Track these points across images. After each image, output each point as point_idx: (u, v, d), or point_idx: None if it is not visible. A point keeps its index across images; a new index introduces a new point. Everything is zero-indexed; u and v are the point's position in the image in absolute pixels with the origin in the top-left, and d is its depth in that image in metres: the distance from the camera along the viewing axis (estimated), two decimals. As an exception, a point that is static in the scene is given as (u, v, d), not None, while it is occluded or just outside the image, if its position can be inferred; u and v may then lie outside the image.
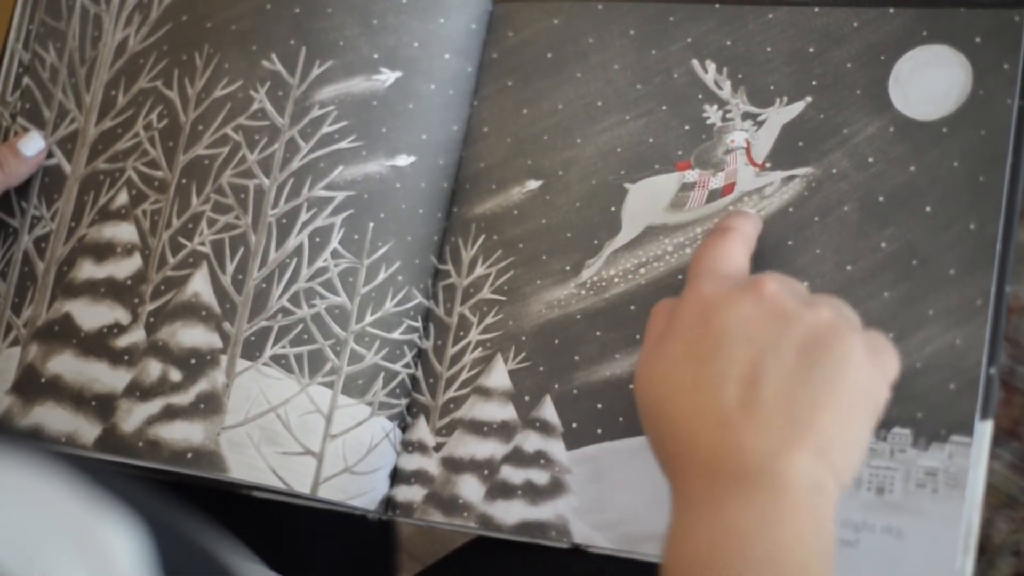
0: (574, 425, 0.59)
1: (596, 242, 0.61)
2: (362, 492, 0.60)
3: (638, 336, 0.59)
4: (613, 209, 0.61)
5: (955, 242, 0.55)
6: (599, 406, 0.59)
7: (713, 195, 0.60)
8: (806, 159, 0.58)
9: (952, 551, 0.51)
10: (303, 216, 0.61)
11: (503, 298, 0.62)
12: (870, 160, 0.57)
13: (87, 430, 0.60)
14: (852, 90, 0.58)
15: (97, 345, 0.61)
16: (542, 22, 0.65)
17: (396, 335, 0.62)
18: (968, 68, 0.56)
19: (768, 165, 0.59)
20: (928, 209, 0.55)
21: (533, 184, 0.63)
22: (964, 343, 0.53)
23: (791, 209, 0.58)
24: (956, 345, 0.53)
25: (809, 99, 0.59)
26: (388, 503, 0.61)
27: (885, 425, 0.54)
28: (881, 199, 0.57)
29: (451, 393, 0.61)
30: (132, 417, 0.60)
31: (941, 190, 0.56)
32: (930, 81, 0.57)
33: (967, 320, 0.54)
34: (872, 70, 0.58)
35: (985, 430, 0.53)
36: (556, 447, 0.59)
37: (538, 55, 0.64)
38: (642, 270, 0.60)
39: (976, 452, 0.52)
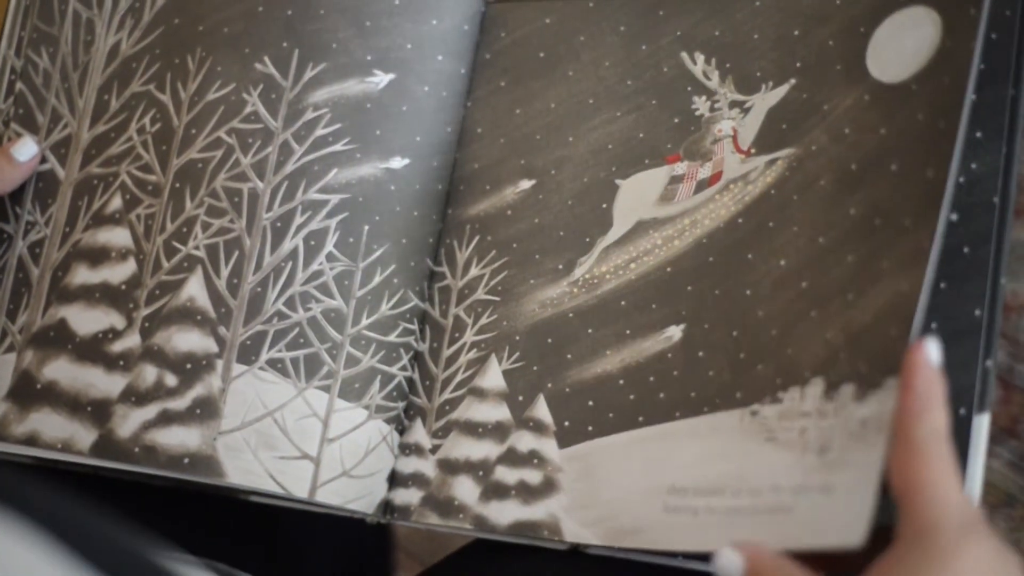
0: (566, 424, 0.59)
1: (588, 240, 0.61)
2: (360, 496, 0.60)
3: (628, 331, 0.59)
4: (604, 206, 0.61)
5: (913, 192, 0.52)
6: (590, 403, 0.59)
7: (701, 185, 0.60)
8: (788, 140, 0.57)
9: (865, 503, 0.47)
10: (298, 219, 0.61)
11: (497, 298, 0.62)
12: (846, 132, 0.55)
13: (83, 436, 0.60)
14: (833, 66, 0.57)
15: (92, 350, 0.61)
16: (534, 22, 0.64)
17: (392, 338, 0.61)
18: (938, 23, 0.53)
19: (753, 151, 0.59)
20: (894, 167, 0.53)
21: (526, 184, 0.63)
22: (909, 287, 0.50)
23: (773, 191, 0.57)
24: (902, 291, 0.50)
25: (793, 81, 0.58)
26: (386, 506, 0.61)
27: (835, 384, 0.51)
28: (853, 167, 0.55)
29: (447, 395, 0.61)
30: (128, 422, 0.60)
31: (906, 145, 0.53)
32: (903, 43, 0.55)
33: (914, 265, 0.50)
34: (852, 43, 0.57)
35: (982, 424, 0.52)
36: (549, 446, 0.59)
37: (530, 55, 0.64)
38: (632, 265, 0.60)
39: (974, 446, 0.52)
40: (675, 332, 0.58)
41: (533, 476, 0.59)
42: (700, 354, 0.57)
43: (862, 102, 0.55)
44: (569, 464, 0.58)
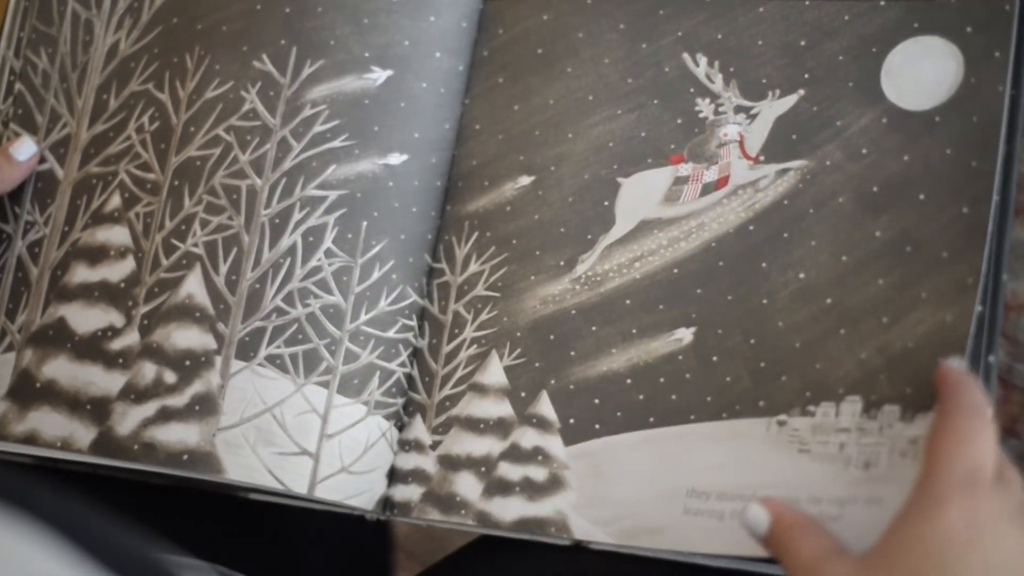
0: (571, 421, 0.59)
1: (590, 237, 0.61)
2: (359, 492, 0.60)
3: (634, 330, 0.59)
4: (606, 203, 0.61)
5: (948, 226, 0.54)
6: (596, 401, 0.59)
7: (707, 188, 0.60)
8: (800, 152, 0.58)
9: None
10: (296, 215, 0.61)
11: (497, 294, 0.62)
12: (863, 151, 0.57)
13: (82, 434, 0.60)
14: (844, 83, 0.58)
15: (91, 349, 0.61)
16: (532, 18, 0.64)
17: (391, 334, 0.61)
18: (959, 58, 0.56)
19: (762, 158, 0.59)
20: (921, 197, 0.55)
21: (525, 180, 0.63)
22: (954, 319, 0.52)
23: (786, 202, 0.58)
24: (947, 322, 0.53)
25: (802, 92, 0.59)
26: (386, 503, 0.61)
27: (876, 404, 0.53)
28: (875, 189, 0.56)
29: (447, 391, 0.61)
30: (127, 420, 0.60)
31: (934, 177, 0.55)
32: (922, 72, 0.56)
33: (958, 298, 0.53)
34: (864, 62, 0.58)
35: None
36: (554, 443, 0.59)
37: (528, 51, 0.64)
38: (637, 264, 0.60)
39: None
40: (685, 334, 0.58)
41: (538, 473, 0.58)
42: (714, 359, 0.57)
43: (879, 124, 0.57)
44: (576, 461, 0.58)
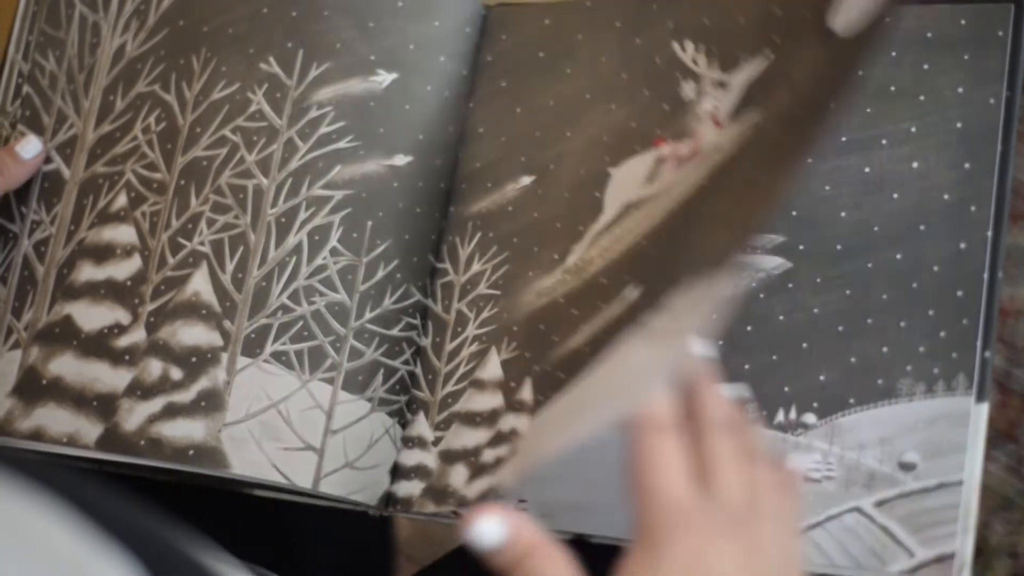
0: (541, 398, 0.59)
1: (581, 228, 0.61)
2: (363, 487, 0.60)
3: (600, 303, 0.58)
4: (597, 195, 0.62)
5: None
6: (561, 376, 0.58)
7: (682, 162, 0.60)
8: (756, 107, 0.57)
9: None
10: (302, 215, 0.62)
11: (498, 292, 0.62)
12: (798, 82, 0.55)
13: (88, 430, 0.60)
14: (806, 36, 0.56)
15: (98, 346, 0.62)
16: (534, 23, 0.65)
17: (395, 332, 0.62)
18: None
19: (729, 123, 0.59)
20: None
21: (526, 180, 0.63)
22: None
23: (736, 154, 0.57)
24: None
25: (769, 55, 0.58)
26: (388, 499, 0.61)
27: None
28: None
29: (449, 388, 0.62)
30: (133, 416, 0.60)
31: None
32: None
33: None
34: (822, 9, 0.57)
35: (981, 413, 0.53)
36: (525, 421, 0.59)
37: (530, 55, 0.65)
38: (617, 245, 0.60)
39: (972, 435, 0.53)
40: (632, 293, 0.57)
41: (509, 451, 0.59)
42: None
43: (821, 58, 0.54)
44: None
